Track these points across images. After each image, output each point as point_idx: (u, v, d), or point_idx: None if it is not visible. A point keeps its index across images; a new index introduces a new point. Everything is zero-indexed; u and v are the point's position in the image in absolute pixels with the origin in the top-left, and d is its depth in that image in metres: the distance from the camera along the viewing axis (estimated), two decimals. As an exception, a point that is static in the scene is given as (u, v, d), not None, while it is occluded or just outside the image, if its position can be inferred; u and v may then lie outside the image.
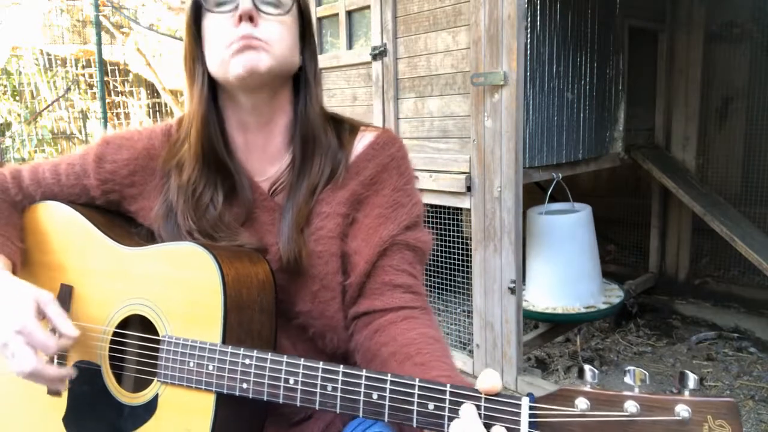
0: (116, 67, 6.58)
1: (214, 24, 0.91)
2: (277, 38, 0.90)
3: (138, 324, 0.95)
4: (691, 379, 0.60)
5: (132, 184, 1.02)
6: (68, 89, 6.27)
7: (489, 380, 0.67)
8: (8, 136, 5.93)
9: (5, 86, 6.13)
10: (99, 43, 4.92)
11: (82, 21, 6.52)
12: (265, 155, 0.99)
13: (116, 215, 1.06)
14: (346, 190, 0.96)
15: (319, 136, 0.97)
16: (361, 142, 0.99)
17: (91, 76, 6.24)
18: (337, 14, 3.14)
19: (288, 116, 0.98)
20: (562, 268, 2.79)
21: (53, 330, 0.91)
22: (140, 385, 0.92)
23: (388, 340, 0.88)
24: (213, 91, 0.96)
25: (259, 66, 0.88)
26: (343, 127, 1.02)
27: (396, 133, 2.85)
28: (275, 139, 0.98)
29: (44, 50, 6.20)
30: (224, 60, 0.89)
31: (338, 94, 3.23)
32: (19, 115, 6.04)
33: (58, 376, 0.88)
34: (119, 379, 0.94)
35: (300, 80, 0.98)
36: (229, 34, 0.89)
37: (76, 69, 6.34)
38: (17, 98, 6.13)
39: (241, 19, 0.87)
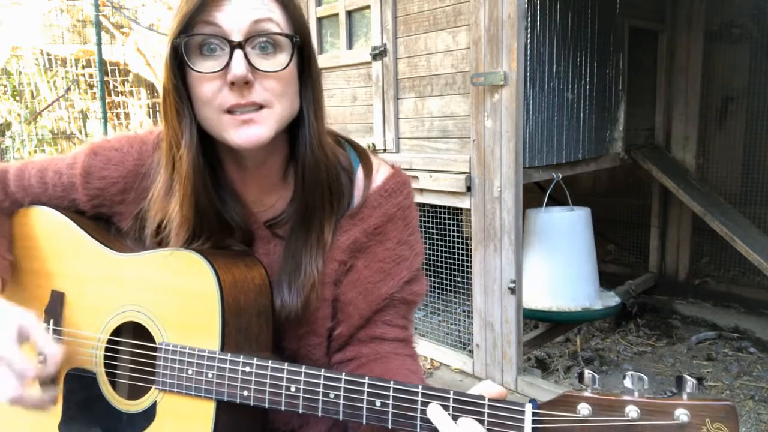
0: (116, 67, 6.57)
1: (200, 81, 0.80)
2: (276, 97, 0.81)
3: (132, 331, 0.93)
4: (689, 383, 0.61)
5: (122, 201, 0.97)
6: (68, 89, 6.26)
7: (492, 386, 0.69)
8: (8, 136, 5.93)
9: (5, 86, 6.12)
10: (99, 43, 4.92)
11: (82, 21, 6.52)
12: (262, 187, 0.94)
13: (107, 221, 1.02)
14: (347, 237, 0.91)
15: (321, 176, 0.89)
16: (371, 183, 0.93)
17: (91, 76, 6.24)
18: (337, 14, 3.14)
19: (284, 150, 0.92)
20: (562, 267, 2.80)
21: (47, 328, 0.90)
22: (136, 392, 0.90)
23: (366, 372, 0.88)
24: (201, 131, 0.86)
25: (261, 138, 0.81)
26: (353, 155, 0.96)
27: (396, 136, 2.87)
28: (272, 173, 0.93)
29: (44, 50, 6.19)
30: (219, 124, 0.81)
31: (338, 94, 3.23)
32: (19, 115, 6.04)
33: (40, 400, 0.86)
34: (114, 386, 0.93)
35: (300, 114, 0.88)
36: (221, 96, 0.79)
37: (76, 69, 6.34)
38: (17, 98, 6.13)
39: (234, 83, 0.78)
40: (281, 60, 0.81)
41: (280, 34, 0.81)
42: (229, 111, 0.80)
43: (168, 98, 0.82)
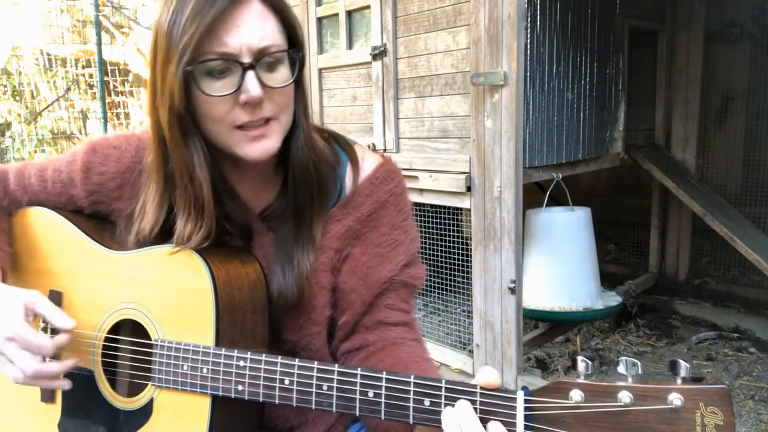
0: (116, 67, 6.57)
1: (209, 102, 0.81)
2: (282, 108, 0.85)
3: (129, 328, 0.94)
4: (683, 367, 0.61)
5: (120, 197, 0.99)
6: (68, 89, 6.27)
7: (488, 375, 0.68)
8: (8, 136, 5.94)
9: (5, 86, 6.13)
10: (99, 43, 4.93)
11: (82, 21, 6.52)
12: (257, 182, 0.96)
13: (103, 220, 1.04)
14: (341, 225, 0.93)
15: (310, 173, 0.91)
16: (359, 173, 0.95)
17: (91, 76, 6.24)
18: (337, 14, 3.14)
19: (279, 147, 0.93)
20: (562, 268, 2.79)
21: (45, 329, 0.91)
22: (134, 389, 0.91)
23: (376, 362, 0.89)
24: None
25: (272, 150, 0.85)
26: (339, 149, 0.98)
27: (396, 136, 2.86)
28: (266, 169, 0.95)
29: (44, 50, 6.19)
30: (229, 138, 0.84)
31: (338, 94, 3.23)
32: (19, 115, 6.04)
33: (60, 370, 0.88)
34: (113, 383, 0.94)
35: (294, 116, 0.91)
36: (233, 115, 0.81)
37: (76, 69, 6.34)
38: (17, 98, 6.13)
39: (247, 102, 0.80)
40: (284, 72, 0.84)
41: (285, 51, 0.83)
42: (240, 126, 0.82)
43: (174, 123, 0.82)
